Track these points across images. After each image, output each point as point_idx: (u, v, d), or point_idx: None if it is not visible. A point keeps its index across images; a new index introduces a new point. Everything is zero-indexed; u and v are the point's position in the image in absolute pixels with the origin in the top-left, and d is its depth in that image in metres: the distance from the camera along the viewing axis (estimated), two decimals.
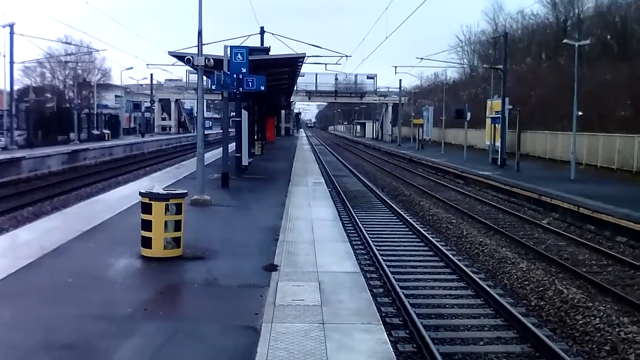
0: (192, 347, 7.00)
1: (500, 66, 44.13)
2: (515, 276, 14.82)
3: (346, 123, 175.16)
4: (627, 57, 50.78)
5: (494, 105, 44.42)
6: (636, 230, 18.38)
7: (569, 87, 33.66)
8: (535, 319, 11.85)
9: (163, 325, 7.63)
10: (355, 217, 21.91)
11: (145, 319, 7.86)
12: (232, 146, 26.23)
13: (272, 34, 38.00)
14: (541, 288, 13.60)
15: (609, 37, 58.29)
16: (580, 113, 33.02)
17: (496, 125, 42.72)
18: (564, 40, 39.04)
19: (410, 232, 20.28)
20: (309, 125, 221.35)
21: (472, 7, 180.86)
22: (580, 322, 11.49)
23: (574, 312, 11.96)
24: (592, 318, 11.49)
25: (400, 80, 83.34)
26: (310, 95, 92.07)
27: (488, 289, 13.11)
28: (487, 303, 12.51)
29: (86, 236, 12.79)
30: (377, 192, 30.37)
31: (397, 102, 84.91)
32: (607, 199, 22.91)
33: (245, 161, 26.20)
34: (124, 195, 18.92)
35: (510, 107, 41.38)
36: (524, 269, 15.12)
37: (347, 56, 42.13)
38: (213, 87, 21.13)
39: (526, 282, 14.21)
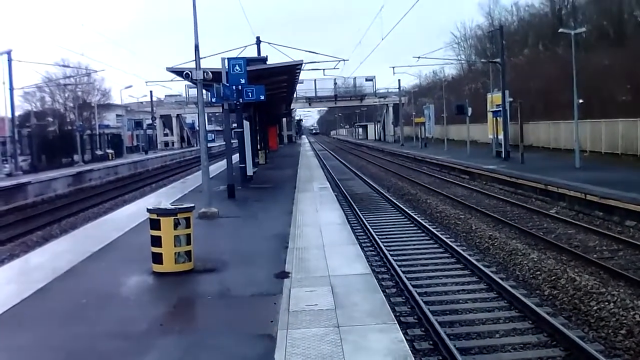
0: (210, 358, 7.05)
1: (498, 60, 44.15)
2: (526, 267, 14.82)
3: (348, 126, 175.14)
4: (623, 42, 50.81)
5: (494, 98, 44.48)
6: None
7: (568, 75, 33.67)
8: (550, 308, 11.86)
9: (180, 339, 7.67)
10: (363, 219, 21.93)
11: (162, 334, 7.90)
12: (236, 157, 26.30)
13: (269, 43, 38.16)
14: (553, 277, 13.60)
15: (604, 23, 58.28)
16: (580, 101, 33.05)
17: (498, 118, 42.75)
18: (560, 30, 39.08)
19: (419, 231, 20.29)
20: (313, 131, 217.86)
21: (467, 3, 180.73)
22: (595, 308, 11.49)
23: (587, 299, 11.96)
24: (607, 303, 11.50)
25: (399, 80, 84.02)
26: (310, 101, 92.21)
27: (500, 281, 13.13)
28: (501, 295, 12.52)
29: (97, 256, 12.85)
30: (383, 192, 30.37)
31: (398, 102, 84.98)
32: (613, 184, 22.89)
33: (250, 171, 26.25)
34: (131, 213, 18.98)
35: (511, 99, 41.46)
36: (535, 260, 15.12)
37: (344, 60, 42.49)
38: (213, 99, 21.18)
39: (538, 272, 14.20)
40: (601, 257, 15.46)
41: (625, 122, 34.48)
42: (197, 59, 17.77)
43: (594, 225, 19.41)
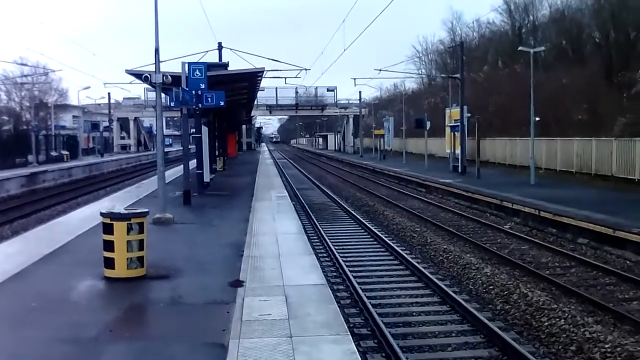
0: None
1: (458, 75, 44.61)
2: (480, 281, 14.94)
3: (308, 136, 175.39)
4: (582, 62, 51.78)
5: (453, 113, 44.87)
6: (597, 231, 18.66)
7: (526, 93, 34.16)
8: (502, 322, 11.96)
9: (130, 346, 7.55)
10: (320, 229, 21.93)
11: (112, 341, 7.76)
12: (193, 163, 26.09)
13: (230, 49, 38.13)
14: (506, 292, 13.73)
15: (564, 42, 59.32)
16: (537, 118, 33.53)
17: (456, 133, 43.13)
18: (520, 48, 39.62)
19: (375, 242, 20.34)
20: (274, 140, 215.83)
21: (429, 18, 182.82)
22: (546, 323, 11.62)
23: (539, 315, 12.09)
24: (557, 319, 11.63)
25: (360, 92, 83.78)
26: (271, 109, 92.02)
27: (454, 295, 13.20)
28: (454, 309, 12.58)
29: (48, 259, 12.61)
30: (341, 203, 30.42)
31: (358, 113, 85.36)
32: (567, 202, 23.23)
33: (207, 177, 26.05)
34: (85, 217, 18.68)
35: (469, 115, 41.84)
36: (489, 274, 15.25)
37: (306, 69, 42.31)
38: (172, 104, 21.01)
39: (491, 287, 14.33)
40: (553, 273, 15.65)
41: (581, 141, 35.05)
42: (157, 62, 17.57)
43: (547, 241, 19.66)
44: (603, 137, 34.16)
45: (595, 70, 48.40)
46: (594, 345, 10.34)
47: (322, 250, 18.70)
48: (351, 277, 14.77)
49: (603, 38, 52.62)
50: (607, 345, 10.22)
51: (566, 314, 11.79)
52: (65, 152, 60.42)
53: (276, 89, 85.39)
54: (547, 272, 15.71)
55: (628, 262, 16.55)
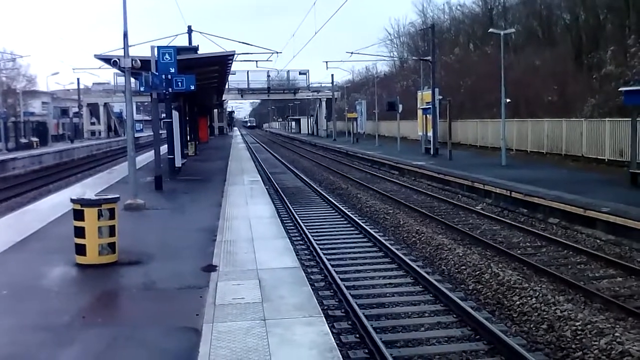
0: (133, 351, 6.94)
1: (429, 57, 44.71)
2: (452, 262, 15.04)
3: (281, 120, 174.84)
4: (552, 43, 52.18)
5: (425, 96, 45.09)
6: (568, 211, 18.86)
7: (497, 75, 34.37)
8: (474, 302, 12.06)
9: (102, 332, 7.51)
10: (294, 212, 21.91)
11: (84, 327, 7.72)
12: (164, 148, 25.93)
13: (200, 32, 37.86)
14: (478, 272, 13.84)
15: (534, 24, 59.67)
16: (508, 100, 33.75)
17: (427, 115, 43.30)
18: (490, 30, 39.80)
19: (348, 225, 20.38)
20: (248, 124, 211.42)
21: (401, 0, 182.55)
22: (518, 302, 11.74)
23: (510, 294, 12.22)
24: (529, 298, 11.75)
25: (332, 75, 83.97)
26: (242, 93, 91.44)
27: (426, 275, 13.29)
28: (427, 290, 12.67)
29: (19, 247, 12.50)
30: (315, 187, 30.41)
31: (330, 97, 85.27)
32: (538, 182, 23.45)
33: (178, 162, 25.91)
34: (55, 203, 18.50)
35: (441, 97, 42.01)
36: (461, 255, 15.36)
37: (277, 52, 42.21)
38: (142, 88, 20.79)
39: (463, 267, 14.43)
40: (525, 253, 15.81)
41: (551, 122, 35.40)
42: (126, 46, 17.39)
43: (519, 221, 19.84)
44: (573, 118, 34.56)
45: (565, 51, 48.85)
46: (565, 323, 10.46)
47: (296, 234, 18.70)
48: (325, 260, 14.79)
49: (573, 19, 53.06)
50: (577, 323, 10.35)
51: (537, 293, 11.92)
52: (34, 139, 59.75)
53: (247, 72, 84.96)
54: (519, 251, 15.87)
55: (598, 241, 16.77)
